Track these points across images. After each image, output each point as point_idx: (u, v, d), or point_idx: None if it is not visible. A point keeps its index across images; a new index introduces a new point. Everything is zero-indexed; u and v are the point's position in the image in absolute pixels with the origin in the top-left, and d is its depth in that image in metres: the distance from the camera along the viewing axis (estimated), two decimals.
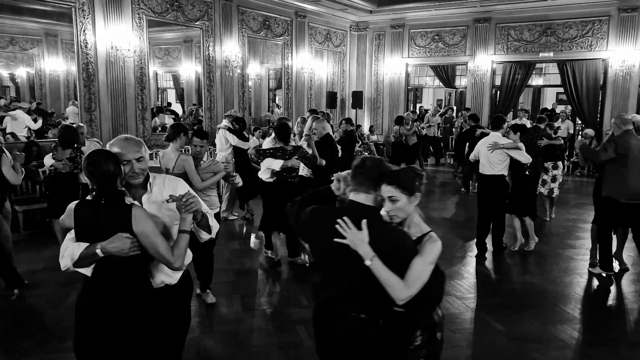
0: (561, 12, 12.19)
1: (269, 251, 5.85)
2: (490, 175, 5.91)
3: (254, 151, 5.90)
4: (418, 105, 16.56)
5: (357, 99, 14.26)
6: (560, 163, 7.83)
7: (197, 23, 10.18)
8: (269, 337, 4.03)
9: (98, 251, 2.16)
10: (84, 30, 8.20)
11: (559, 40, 12.43)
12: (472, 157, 6.41)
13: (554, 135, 7.84)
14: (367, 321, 2.13)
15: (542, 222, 7.71)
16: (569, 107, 14.20)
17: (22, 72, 10.36)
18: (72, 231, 2.30)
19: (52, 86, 10.02)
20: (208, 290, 4.60)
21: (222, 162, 4.45)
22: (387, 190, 2.12)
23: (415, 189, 2.17)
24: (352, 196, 2.20)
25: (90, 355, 2.27)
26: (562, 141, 8.16)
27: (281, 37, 12.44)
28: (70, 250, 2.23)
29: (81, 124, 6.60)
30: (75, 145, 5.69)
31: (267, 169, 5.41)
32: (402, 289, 2.03)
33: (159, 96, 13.73)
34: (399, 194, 2.12)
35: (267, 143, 5.70)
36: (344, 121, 9.07)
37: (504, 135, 5.98)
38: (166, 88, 14.25)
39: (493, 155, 5.82)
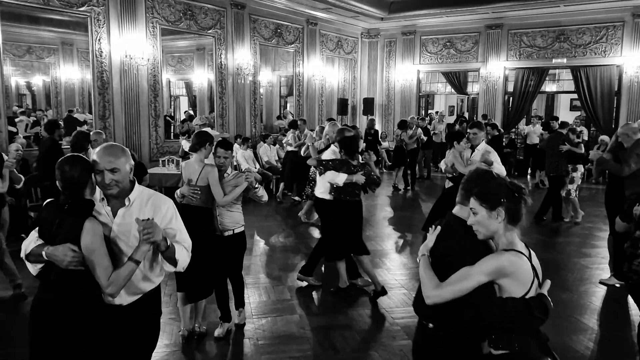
0: (574, 18, 12.10)
1: (358, 280, 5.24)
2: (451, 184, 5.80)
3: (315, 162, 5.21)
4: (430, 111, 16.48)
5: (368, 105, 14.27)
6: (580, 166, 7.85)
7: (210, 31, 10.29)
8: None
9: (43, 253, 2.13)
10: (99, 39, 8.33)
11: (572, 46, 12.33)
12: (443, 165, 5.99)
13: (576, 140, 7.89)
14: (432, 330, 2.10)
15: (564, 223, 7.94)
16: (583, 114, 14.03)
17: (38, 81, 10.55)
18: None
19: (68, 94, 10.18)
20: (240, 309, 4.28)
21: (244, 173, 4.03)
22: (471, 201, 1.99)
23: (500, 203, 1.92)
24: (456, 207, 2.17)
25: (40, 354, 2.22)
26: (583, 149, 8.19)
27: (292, 45, 12.52)
28: (28, 241, 2.22)
29: (99, 130, 6.71)
30: (85, 151, 5.73)
31: (329, 183, 4.81)
32: (431, 288, 1.96)
33: (172, 104, 13.86)
34: (477, 206, 1.95)
35: (328, 154, 5.18)
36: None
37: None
38: (179, 95, 14.38)
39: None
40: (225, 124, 10.89)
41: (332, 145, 5.38)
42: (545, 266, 5.31)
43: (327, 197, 4.96)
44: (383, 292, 4.87)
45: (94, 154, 2.28)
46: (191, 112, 12.64)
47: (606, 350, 4.02)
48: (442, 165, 6.01)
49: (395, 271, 5.83)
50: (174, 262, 2.31)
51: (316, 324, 4.35)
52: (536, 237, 7.27)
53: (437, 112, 16.23)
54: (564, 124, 8.27)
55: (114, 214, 2.28)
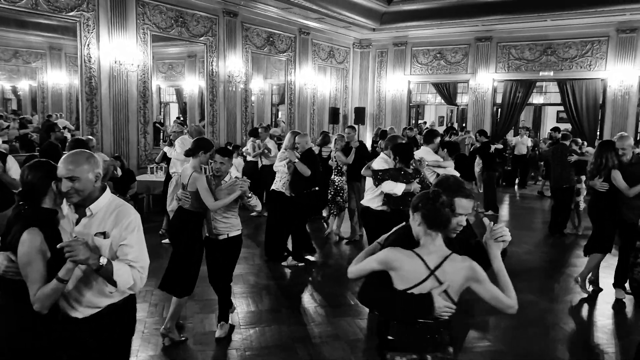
0: (561, 32, 12.30)
1: None
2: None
3: (369, 172, 4.88)
4: (420, 122, 16.59)
5: (360, 115, 14.31)
6: (583, 177, 7.86)
7: (201, 39, 10.27)
8: None
9: None
10: (88, 45, 8.27)
11: (559, 59, 12.53)
12: None
13: (579, 151, 7.95)
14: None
15: (571, 235, 7.96)
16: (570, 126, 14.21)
17: (24, 85, 10.42)
18: None
19: (55, 99, 10.07)
20: (222, 322, 4.15)
21: (237, 180, 3.98)
22: None
23: (417, 209, 2.07)
24: None
25: None
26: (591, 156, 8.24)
27: (285, 53, 12.54)
28: None
29: (90, 137, 6.63)
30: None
31: (388, 193, 4.58)
32: (350, 265, 2.26)
33: (162, 110, 13.79)
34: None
35: (380, 163, 4.88)
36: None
37: (435, 151, 5.75)
38: (169, 102, 14.32)
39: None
40: (216, 132, 10.84)
41: (382, 153, 5.14)
42: (530, 273, 5.27)
43: (381, 207, 4.73)
44: None
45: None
46: (181, 119, 12.58)
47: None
48: None
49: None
50: (112, 283, 2.13)
51: (305, 334, 4.30)
52: (549, 250, 7.31)
53: (425, 122, 16.37)
54: (565, 136, 8.30)
55: (78, 223, 2.21)
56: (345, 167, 7.25)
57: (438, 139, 5.85)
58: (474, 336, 4.38)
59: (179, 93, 13.54)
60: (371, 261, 2.12)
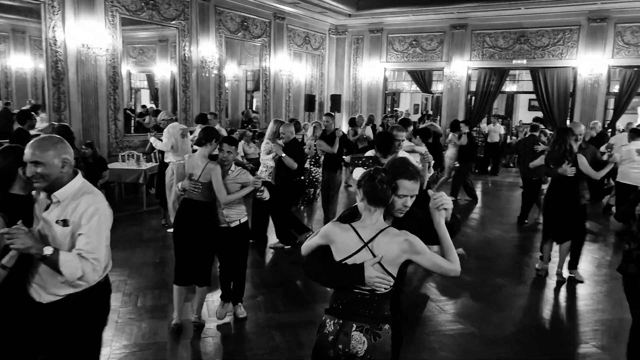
0: (534, 21, 12.46)
1: None
2: None
3: (349, 158, 5.25)
4: (396, 109, 16.66)
5: (336, 102, 14.26)
6: None
7: (173, 22, 10.01)
8: None
9: None
10: (53, 27, 7.95)
11: (531, 48, 12.70)
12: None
13: (547, 142, 8.01)
14: None
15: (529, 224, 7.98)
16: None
17: None
18: None
19: (19, 84, 9.67)
20: (239, 304, 4.35)
21: (254, 176, 4.13)
22: None
23: (360, 185, 2.18)
24: None
25: None
26: None
27: (259, 39, 12.35)
28: None
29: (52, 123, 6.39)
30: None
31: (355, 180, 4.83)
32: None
33: (132, 96, 13.44)
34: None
35: (370, 152, 5.02)
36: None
37: (409, 139, 5.87)
38: (140, 88, 13.95)
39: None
40: (189, 119, 10.63)
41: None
42: (500, 260, 5.36)
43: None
44: None
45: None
46: (154, 106, 12.28)
47: (562, 340, 4.13)
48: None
49: None
50: (59, 273, 2.08)
51: (282, 321, 4.29)
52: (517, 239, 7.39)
53: (400, 110, 16.42)
54: (534, 127, 8.38)
55: (47, 208, 2.20)
56: (322, 158, 7.03)
57: (411, 127, 6.02)
58: (446, 319, 4.45)
59: (150, 79, 13.19)
60: (316, 236, 2.25)
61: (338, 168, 7.08)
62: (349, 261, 2.11)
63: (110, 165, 7.90)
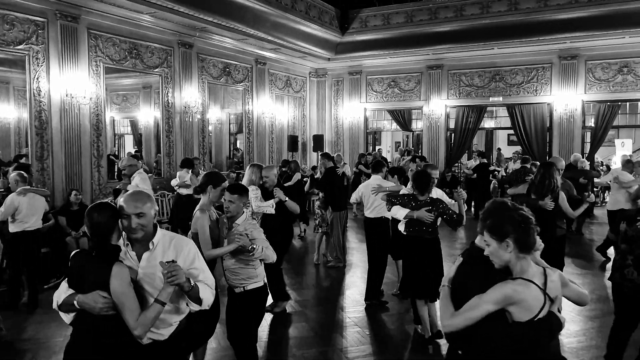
0: (508, 60, 12.96)
1: (418, 326, 4.97)
2: (374, 218, 5.85)
3: (386, 196, 5.09)
4: (377, 148, 16.90)
5: (318, 142, 14.45)
6: None
7: (157, 70, 10.18)
8: None
9: (75, 302, 2.22)
10: (37, 78, 8.03)
11: (507, 85, 13.15)
12: (352, 199, 6.19)
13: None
14: (462, 356, 2.28)
15: None
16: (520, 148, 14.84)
17: None
18: None
19: (2, 134, 9.68)
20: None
21: (236, 233, 3.42)
22: (484, 233, 2.11)
23: (507, 235, 2.02)
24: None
25: None
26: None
27: (242, 83, 12.59)
28: (59, 292, 2.31)
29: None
30: None
31: (393, 218, 4.92)
32: (446, 317, 2.10)
33: (116, 142, 13.47)
34: (488, 238, 2.08)
35: (405, 189, 5.19)
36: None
37: (384, 178, 6.04)
38: (124, 134, 14.01)
39: (377, 198, 5.71)
40: (173, 163, 10.66)
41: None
42: None
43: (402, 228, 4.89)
44: (429, 341, 4.71)
45: (119, 199, 2.44)
46: (135, 152, 12.27)
47: None
48: (352, 199, 6.25)
49: (349, 309, 5.78)
50: (198, 301, 2.44)
51: None
52: None
53: (380, 149, 16.66)
54: (526, 159, 8.64)
55: (139, 258, 2.40)
56: (321, 195, 7.74)
57: (385, 168, 6.26)
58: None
59: (134, 124, 13.28)
60: (483, 305, 1.99)
61: (334, 204, 7.56)
62: (541, 315, 1.99)
63: None
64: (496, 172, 12.86)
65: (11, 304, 5.68)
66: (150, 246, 2.40)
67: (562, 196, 5.22)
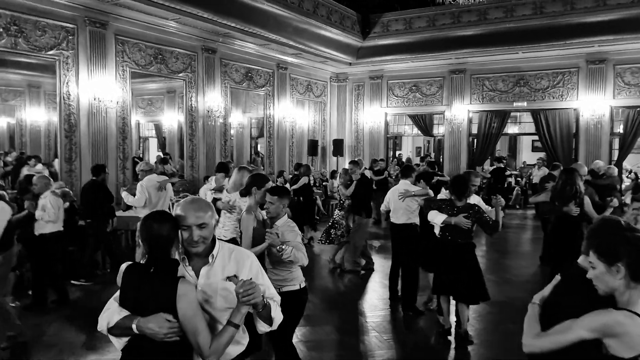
0: (533, 64, 12.74)
1: (441, 317, 5.21)
2: (401, 224, 5.85)
3: (424, 201, 5.30)
4: (397, 153, 16.84)
5: (338, 147, 14.48)
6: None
7: (181, 75, 10.38)
8: None
9: (133, 326, 1.93)
10: (67, 83, 8.28)
11: (531, 90, 12.93)
12: (383, 207, 6.22)
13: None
14: None
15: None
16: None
17: (2, 122, 10.34)
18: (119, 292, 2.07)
19: (33, 136, 9.99)
20: None
21: (270, 230, 3.40)
22: (590, 253, 1.85)
23: (619, 259, 1.75)
24: None
25: None
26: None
27: (263, 88, 12.72)
28: (109, 313, 2.00)
29: (45, 175, 6.32)
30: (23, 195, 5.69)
31: (431, 222, 4.94)
32: (530, 336, 1.94)
33: (141, 145, 13.75)
34: (595, 259, 1.81)
35: (443, 194, 5.30)
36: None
37: (413, 184, 5.99)
38: (148, 137, 14.29)
39: (404, 203, 5.76)
40: (195, 166, 10.83)
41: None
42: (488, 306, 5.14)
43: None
44: (448, 332, 4.97)
45: (177, 208, 2.09)
46: (161, 154, 12.50)
47: None
48: (383, 207, 6.24)
49: (368, 313, 5.77)
50: (269, 321, 2.16)
51: None
52: None
53: (401, 154, 16.59)
54: (555, 166, 8.61)
55: (197, 274, 2.11)
56: (347, 202, 7.56)
57: (415, 173, 6.17)
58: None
59: (158, 128, 13.55)
60: (576, 329, 1.79)
61: (362, 210, 7.45)
62: None
63: (118, 213, 8.00)
64: (515, 177, 12.69)
65: (38, 303, 5.78)
66: (210, 259, 2.11)
67: (587, 201, 5.22)
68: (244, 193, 3.73)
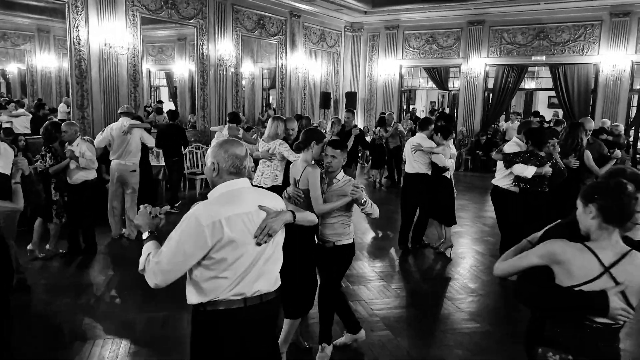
0: (554, 16, 12.29)
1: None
2: (413, 173, 6.03)
3: (500, 155, 5.24)
4: (411, 107, 16.59)
5: (351, 99, 14.30)
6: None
7: (192, 21, 10.16)
8: None
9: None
10: (76, 27, 8.15)
11: (551, 44, 12.53)
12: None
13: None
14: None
15: None
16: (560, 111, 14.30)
17: (13, 68, 10.29)
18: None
19: (44, 83, 9.96)
20: (324, 344, 3.60)
21: (357, 185, 3.37)
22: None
23: (592, 200, 1.88)
24: None
25: None
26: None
27: (275, 37, 12.45)
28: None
29: (74, 122, 6.42)
30: (52, 143, 5.45)
31: (519, 175, 4.93)
32: (499, 261, 2.18)
33: (152, 94, 13.69)
34: (578, 200, 1.97)
35: (512, 147, 5.28)
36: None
37: (430, 137, 5.99)
38: (159, 86, 14.21)
39: (416, 155, 5.93)
40: (207, 116, 10.79)
41: (514, 137, 5.50)
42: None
43: (509, 186, 5.22)
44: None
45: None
46: (159, 105, 12.41)
47: None
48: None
49: (375, 263, 5.88)
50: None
51: None
52: None
53: (412, 109, 16.26)
54: (559, 122, 8.46)
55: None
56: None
57: (432, 126, 6.14)
58: (462, 317, 4.48)
59: (169, 77, 13.43)
60: (530, 255, 1.98)
61: (352, 163, 7.32)
62: (585, 288, 1.84)
63: None
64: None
65: (74, 251, 5.77)
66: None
67: (587, 154, 5.30)
68: (302, 146, 3.64)
